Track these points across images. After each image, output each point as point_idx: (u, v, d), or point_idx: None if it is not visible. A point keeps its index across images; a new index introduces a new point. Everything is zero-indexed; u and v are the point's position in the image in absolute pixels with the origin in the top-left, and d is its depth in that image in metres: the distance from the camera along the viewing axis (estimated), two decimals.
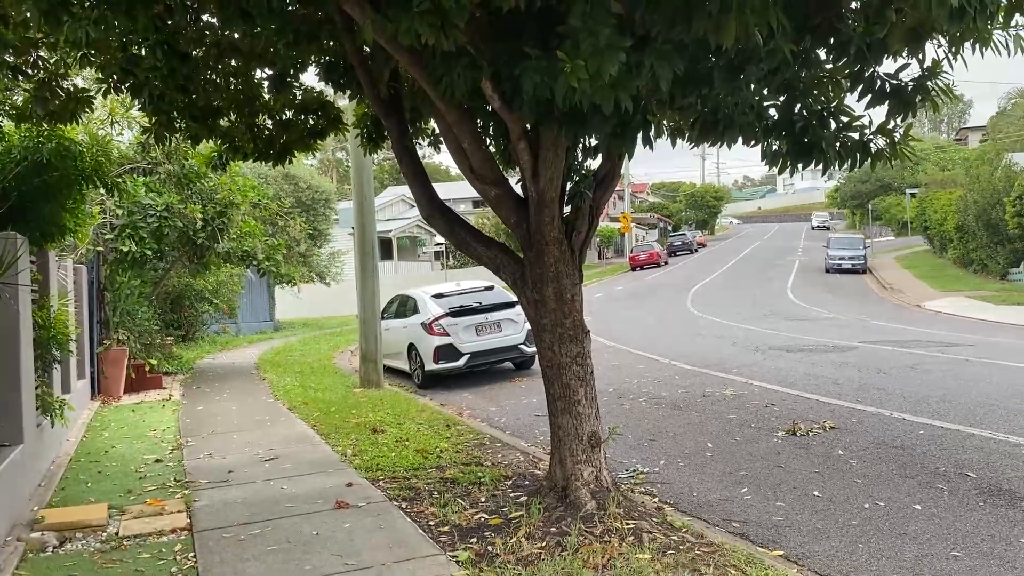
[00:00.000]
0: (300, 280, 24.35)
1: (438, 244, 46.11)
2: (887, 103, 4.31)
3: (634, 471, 7.67)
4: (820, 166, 4.69)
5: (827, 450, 7.86)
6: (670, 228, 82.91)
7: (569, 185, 6.01)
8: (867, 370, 12.18)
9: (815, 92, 4.71)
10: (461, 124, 5.46)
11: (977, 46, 4.03)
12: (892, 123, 4.60)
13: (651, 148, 4.80)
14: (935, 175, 53.13)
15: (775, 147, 4.79)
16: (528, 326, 14.32)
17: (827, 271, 41.22)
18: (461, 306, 13.95)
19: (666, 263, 54.50)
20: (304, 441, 9.24)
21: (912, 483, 6.65)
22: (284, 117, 8.88)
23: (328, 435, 9.44)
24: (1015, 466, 6.87)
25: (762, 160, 5.32)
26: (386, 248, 46.96)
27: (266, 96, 8.76)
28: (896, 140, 4.69)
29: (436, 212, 6.43)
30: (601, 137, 4.82)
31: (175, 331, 21.06)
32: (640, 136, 4.79)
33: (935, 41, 4.18)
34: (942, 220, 40.88)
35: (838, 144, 4.65)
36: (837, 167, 4.73)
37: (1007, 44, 4.12)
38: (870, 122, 4.70)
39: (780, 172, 5.33)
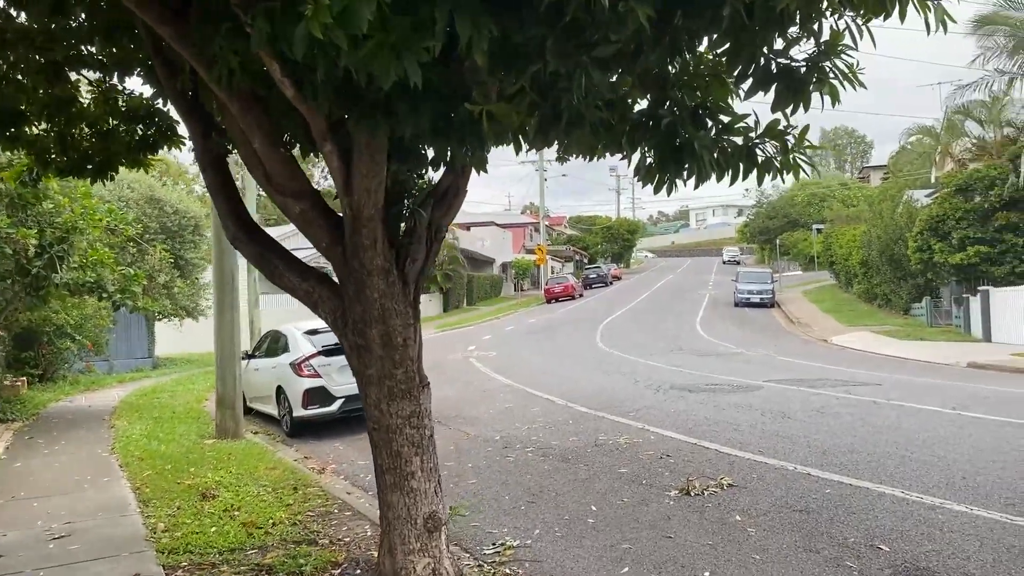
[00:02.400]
0: (164, 314, 22.39)
1: None
2: (774, 87, 3.30)
3: (501, 545, 6.45)
4: (694, 178, 3.64)
5: (723, 515, 6.82)
6: (586, 261, 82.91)
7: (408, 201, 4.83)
8: (771, 414, 11.32)
9: (690, 84, 3.67)
10: (247, 117, 4.23)
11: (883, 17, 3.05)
12: (783, 123, 3.60)
13: (481, 149, 3.66)
14: (840, 211, 54.31)
15: (641, 153, 3.71)
16: None
17: (736, 305, 41.20)
18: (337, 344, 12.51)
19: (581, 295, 53.98)
20: (115, 510, 7.69)
21: (818, 560, 5.63)
22: (105, 126, 7.52)
23: (148, 502, 7.91)
24: (931, 535, 5.93)
25: (635, 176, 4.27)
26: None
27: (84, 101, 7.41)
28: (788, 145, 3.67)
29: (244, 234, 5.15)
30: (417, 135, 3.65)
31: (31, 370, 18.94)
32: (472, 135, 3.64)
33: (836, 13, 3.20)
34: (847, 255, 41.46)
35: (716, 150, 3.61)
36: (716, 178, 3.70)
37: (926, 20, 3.15)
38: (756, 122, 3.69)
39: (656, 191, 4.26)
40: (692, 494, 7.45)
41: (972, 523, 6.13)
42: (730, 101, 3.73)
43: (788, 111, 3.38)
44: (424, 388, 4.87)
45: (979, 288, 24.42)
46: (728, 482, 7.74)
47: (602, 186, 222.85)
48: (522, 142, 3.92)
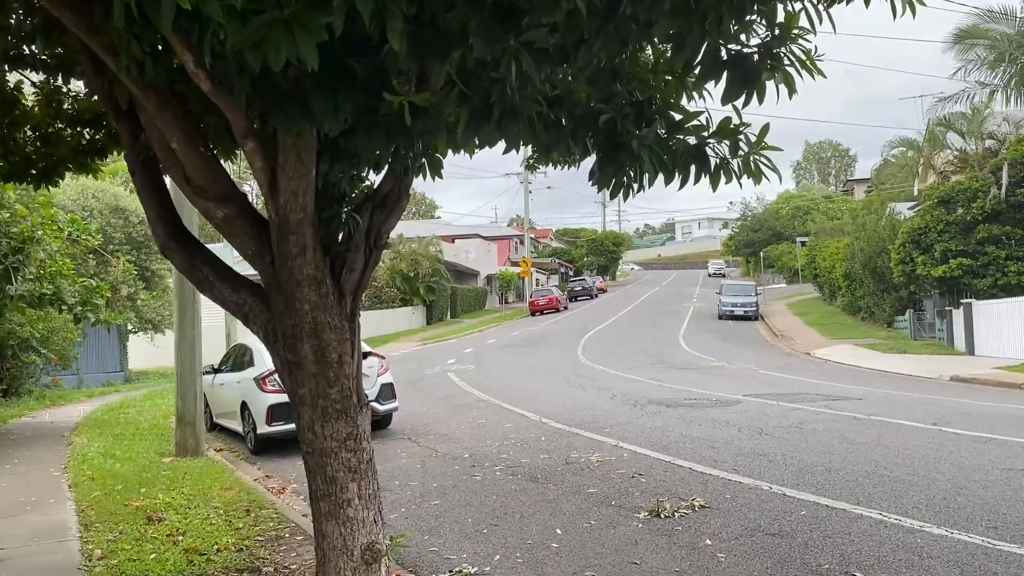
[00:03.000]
0: (132, 328, 21.86)
1: None
2: (724, 76, 2.98)
3: (458, 573, 6.07)
4: (636, 183, 3.31)
5: (693, 539, 6.47)
6: (572, 273, 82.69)
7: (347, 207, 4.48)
8: (748, 430, 11.00)
9: (638, 77, 3.35)
10: (163, 114, 3.87)
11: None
12: (736, 121, 3.28)
13: (411, 147, 3.32)
14: (824, 224, 54.32)
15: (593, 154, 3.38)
16: (383, 379, 12.69)
17: (720, 317, 41.00)
18: None
19: (566, 308, 53.69)
20: (53, 535, 7.27)
21: None
22: (49, 130, 7.18)
23: (90, 526, 7.49)
24: (909, 562, 5.60)
25: (589, 180, 3.94)
26: None
27: (27, 104, 7.07)
28: (740, 145, 3.35)
29: (173, 242, 4.78)
30: (344, 131, 3.32)
31: None
32: (399, 131, 3.31)
33: None
34: (831, 268, 41.36)
35: (663, 150, 3.28)
36: (664, 181, 3.37)
37: (892, 3, 2.85)
38: (708, 120, 3.37)
39: (612, 195, 3.95)
40: (662, 516, 7.11)
41: (952, 548, 5.81)
42: (684, 99, 3.42)
43: (740, 104, 3.06)
44: (363, 408, 4.51)
45: (962, 301, 24.27)
46: (700, 503, 7.40)
47: (588, 199, 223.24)
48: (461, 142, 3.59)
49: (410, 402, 15.88)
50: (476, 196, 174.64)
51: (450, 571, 6.13)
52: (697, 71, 2.94)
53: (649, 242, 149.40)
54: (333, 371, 4.32)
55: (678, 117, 3.40)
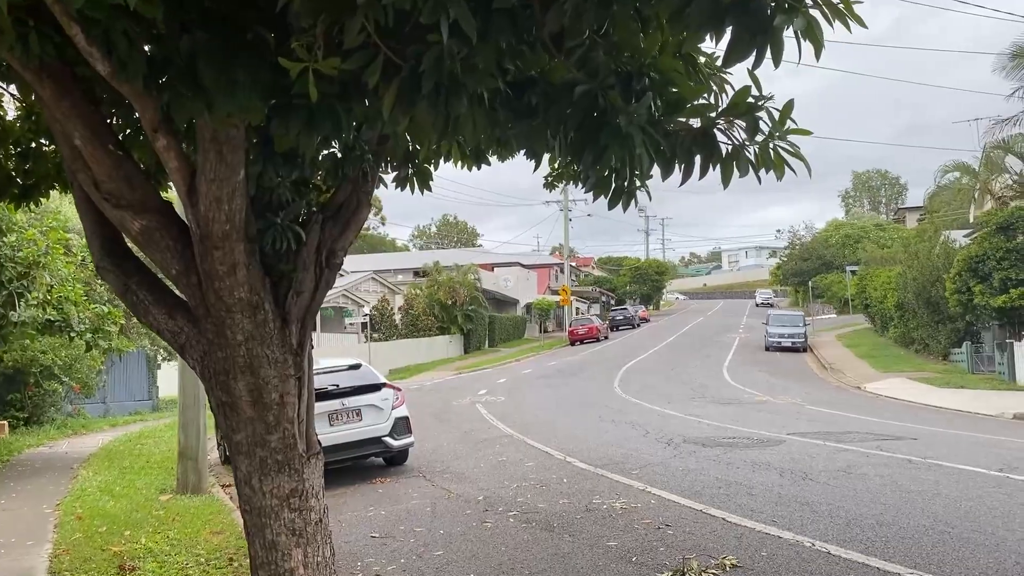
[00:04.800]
0: (162, 355, 21.58)
1: (365, 315, 43.57)
2: (729, 30, 2.22)
3: None
4: (627, 176, 2.55)
5: None
6: (613, 302, 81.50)
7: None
8: (791, 475, 10.01)
9: (629, 43, 2.60)
10: (62, 103, 3.24)
11: None
12: (755, 94, 2.52)
13: (337, 135, 2.62)
14: (875, 252, 52.54)
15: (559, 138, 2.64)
16: (397, 413, 11.99)
17: (767, 349, 39.58)
18: (317, 388, 11.48)
19: (606, 337, 52.69)
20: None
21: None
22: (31, 145, 6.68)
23: (58, 574, 6.86)
24: None
25: (582, 187, 3.20)
26: None
27: (7, 117, 6.59)
28: (759, 125, 2.58)
29: (108, 261, 4.13)
30: (257, 117, 2.63)
31: (16, 413, 18.15)
32: (323, 115, 2.60)
33: None
34: (882, 298, 39.74)
35: (660, 133, 2.52)
36: (661, 173, 2.61)
37: None
38: (717, 99, 2.61)
39: (603, 199, 3.18)
40: None
41: None
42: (683, 69, 2.67)
43: (750, 64, 2.29)
44: (312, 459, 3.78)
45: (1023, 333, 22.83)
46: (732, 562, 6.50)
47: (632, 227, 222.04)
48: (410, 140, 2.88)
49: (432, 436, 15.15)
50: (519, 225, 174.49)
51: None
52: (691, 19, 2.19)
53: (695, 271, 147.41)
54: (273, 414, 3.61)
55: (677, 93, 2.65)
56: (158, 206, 3.60)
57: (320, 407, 11.26)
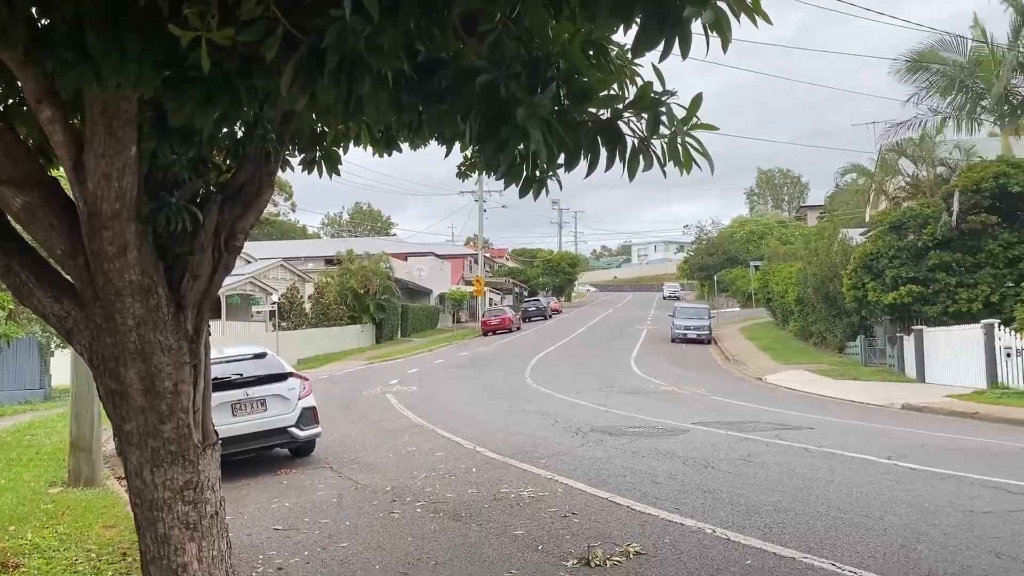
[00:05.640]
0: (55, 342, 20.58)
1: (274, 303, 42.54)
2: (638, 19, 2.21)
3: None
4: (528, 167, 2.52)
5: None
6: (526, 293, 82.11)
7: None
8: (694, 463, 10.26)
9: (538, 30, 2.57)
10: None
11: None
12: (659, 88, 2.52)
13: (237, 112, 2.50)
14: (777, 248, 54.45)
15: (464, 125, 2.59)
16: (304, 403, 11.73)
17: (673, 340, 40.57)
18: (215, 378, 11.05)
19: (519, 328, 53.07)
20: None
21: None
22: None
23: None
24: None
25: (495, 177, 3.16)
26: (214, 306, 43.00)
27: None
28: (661, 118, 2.59)
29: None
30: (150, 89, 2.48)
31: None
32: (219, 88, 2.47)
33: None
34: (783, 292, 41.24)
35: (562, 125, 2.50)
36: (566, 165, 2.60)
37: None
38: (625, 90, 2.61)
39: (513, 188, 3.14)
40: (592, 565, 6.29)
41: None
42: (592, 59, 2.65)
43: (657, 57, 2.29)
44: (208, 450, 3.63)
45: (912, 328, 24.04)
46: (635, 549, 6.61)
47: (545, 220, 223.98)
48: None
49: (340, 426, 14.92)
50: (434, 215, 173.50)
51: None
52: (601, 7, 2.17)
53: (605, 264, 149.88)
54: (166, 403, 3.45)
55: (585, 83, 2.63)
56: (42, 181, 3.37)
57: (223, 397, 10.94)
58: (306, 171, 4.68)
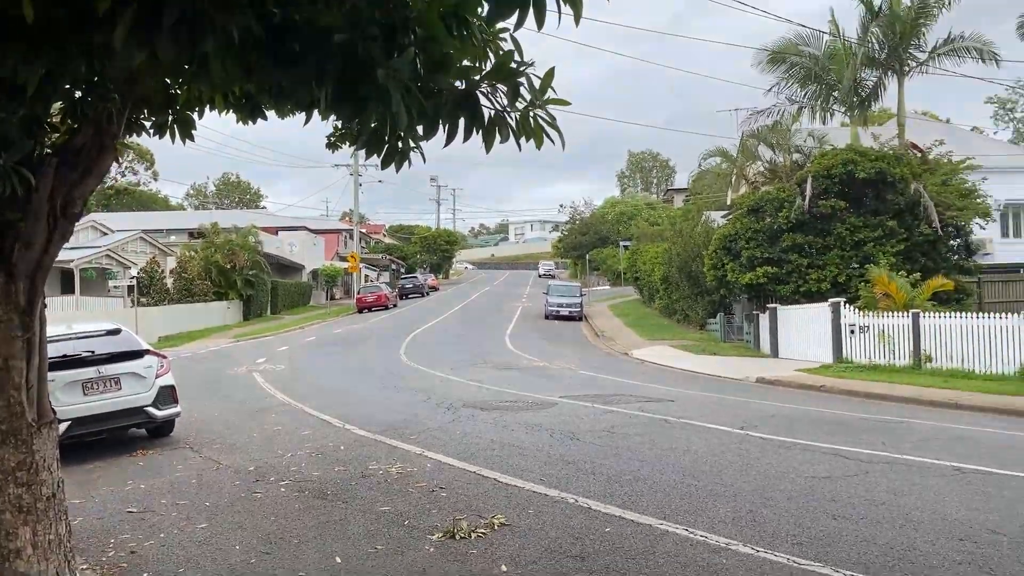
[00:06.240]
0: None
1: (132, 278, 40.37)
2: None
3: None
4: (389, 135, 2.49)
5: (488, 565, 5.77)
6: (403, 270, 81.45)
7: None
8: (560, 435, 10.53)
9: None
10: None
11: None
12: (517, 59, 2.55)
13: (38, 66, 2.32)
14: (645, 229, 56.28)
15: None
16: (162, 382, 11.24)
17: (546, 317, 41.33)
18: (64, 356, 10.44)
19: (395, 305, 52.62)
20: None
21: None
22: None
23: None
24: None
25: (353, 146, 3.09)
26: (67, 280, 40.36)
27: None
28: (521, 91, 2.61)
29: None
30: None
31: None
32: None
33: None
34: (650, 271, 42.71)
35: (421, 92, 2.48)
36: (424, 133, 2.59)
37: None
38: (482, 64, 2.61)
39: (361, 149, 3.09)
40: (458, 537, 6.36)
41: (758, 570, 5.43)
42: (450, 28, 2.63)
43: (512, 24, 2.30)
44: (44, 428, 3.42)
45: (767, 306, 25.40)
46: (500, 521, 6.72)
47: (423, 196, 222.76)
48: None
49: (202, 406, 14.38)
50: (308, 189, 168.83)
51: None
52: None
53: (483, 242, 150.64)
54: None
55: (443, 52, 2.61)
56: None
57: (73, 375, 10.36)
58: (158, 135, 4.45)
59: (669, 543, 6.07)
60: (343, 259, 63.13)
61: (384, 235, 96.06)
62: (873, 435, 10.68)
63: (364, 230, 78.36)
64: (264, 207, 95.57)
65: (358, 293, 52.71)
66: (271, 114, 4.46)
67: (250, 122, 4.40)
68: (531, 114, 2.65)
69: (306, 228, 64.09)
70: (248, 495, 8.14)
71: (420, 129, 2.62)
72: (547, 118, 2.67)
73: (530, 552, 5.98)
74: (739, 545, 5.95)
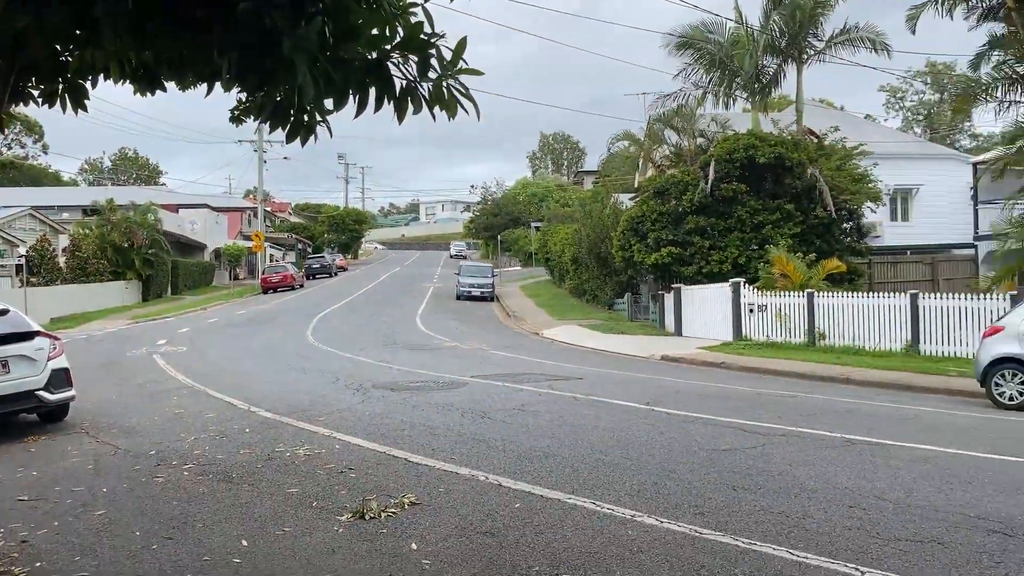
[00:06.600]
0: None
1: (21, 256, 38.26)
2: None
3: None
4: (295, 107, 2.44)
5: (398, 543, 5.77)
6: (310, 250, 79.84)
7: None
8: (471, 414, 10.59)
9: None
10: None
11: None
12: (428, 31, 2.53)
13: None
14: (556, 210, 56.80)
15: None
16: (55, 364, 10.74)
17: (458, 298, 41.33)
18: None
19: (302, 286, 51.61)
20: None
21: None
22: None
23: None
24: (622, 558, 5.30)
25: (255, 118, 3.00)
26: None
27: None
28: (431, 62, 2.60)
29: None
30: None
31: None
32: None
33: None
34: (561, 252, 43.20)
35: (329, 62, 2.43)
36: (334, 104, 2.54)
37: None
38: (393, 35, 2.58)
39: (265, 122, 3.01)
40: (367, 517, 6.33)
41: (662, 540, 5.61)
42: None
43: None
44: None
45: (672, 286, 26.08)
46: (411, 500, 6.72)
47: (331, 174, 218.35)
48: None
49: (99, 389, 13.83)
50: (210, 165, 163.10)
51: None
52: None
53: (393, 221, 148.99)
54: None
55: (352, 21, 2.56)
56: None
57: None
58: (47, 105, 4.23)
59: (578, 516, 6.21)
60: (247, 238, 61.36)
61: (290, 214, 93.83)
62: (770, 409, 11.15)
63: (269, 208, 76.35)
64: (164, 184, 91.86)
65: (263, 273, 51.44)
66: (171, 86, 4.30)
67: (148, 94, 4.23)
68: (444, 84, 2.63)
69: (208, 206, 61.94)
70: (149, 480, 7.89)
71: (330, 102, 2.57)
72: (460, 88, 2.66)
73: (441, 530, 6.00)
74: (644, 516, 6.13)
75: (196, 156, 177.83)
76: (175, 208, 55.70)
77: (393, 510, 6.47)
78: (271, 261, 60.65)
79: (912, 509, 6.31)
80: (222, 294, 47.92)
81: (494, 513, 6.35)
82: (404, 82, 2.66)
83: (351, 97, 2.60)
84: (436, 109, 2.66)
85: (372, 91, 2.61)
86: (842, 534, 5.70)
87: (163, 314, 35.68)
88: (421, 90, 2.63)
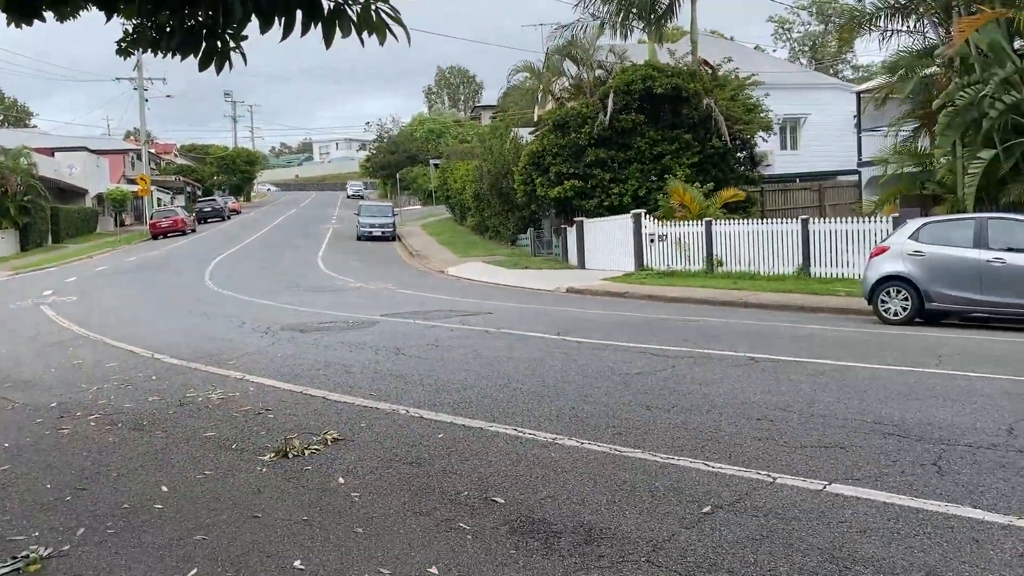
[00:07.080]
0: None
1: None
2: None
3: (23, 559, 4.70)
4: (218, 35, 2.33)
5: (324, 479, 5.77)
6: (200, 193, 76.71)
7: None
8: (385, 351, 10.58)
9: None
10: None
11: None
12: None
13: None
14: (455, 147, 56.25)
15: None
16: None
17: (359, 239, 40.77)
18: None
19: (193, 230, 49.72)
20: None
21: (429, 524, 4.82)
22: None
23: None
24: (546, 478, 5.47)
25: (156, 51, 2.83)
26: None
27: None
28: None
29: None
30: None
31: None
32: None
33: None
34: (461, 189, 43.00)
35: None
36: (260, 28, 2.45)
37: None
38: None
39: (175, 53, 2.86)
40: (291, 456, 6.29)
41: (584, 459, 5.81)
42: None
43: None
44: None
45: (574, 220, 26.42)
46: (334, 436, 6.71)
47: (217, 113, 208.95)
48: None
49: None
50: (86, 105, 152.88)
51: (13, 557, 4.74)
52: None
53: (286, 162, 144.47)
54: None
55: None
56: None
57: None
58: None
59: (501, 442, 6.34)
60: (131, 182, 58.45)
61: (176, 155, 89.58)
62: (676, 334, 11.58)
63: (153, 150, 72.64)
64: (35, 126, 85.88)
65: (151, 218, 49.28)
66: (49, 16, 4.03)
67: (24, 25, 3.96)
68: (373, 6, 2.55)
69: (87, 149, 58.37)
70: (53, 432, 7.57)
71: (254, 26, 2.46)
72: (390, 12, 2.59)
73: (367, 463, 6.03)
74: (565, 439, 6.32)
75: (70, 95, 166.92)
76: (50, 152, 52.29)
77: (317, 446, 6.44)
78: (159, 205, 58.06)
79: (815, 418, 6.74)
80: (108, 241, 45.72)
81: (418, 444, 6.42)
82: (332, 4, 2.57)
83: (277, 21, 2.50)
84: (364, 34, 2.58)
85: (299, 13, 2.51)
86: (752, 444, 6.04)
87: (46, 264, 33.84)
88: (349, 12, 2.55)
